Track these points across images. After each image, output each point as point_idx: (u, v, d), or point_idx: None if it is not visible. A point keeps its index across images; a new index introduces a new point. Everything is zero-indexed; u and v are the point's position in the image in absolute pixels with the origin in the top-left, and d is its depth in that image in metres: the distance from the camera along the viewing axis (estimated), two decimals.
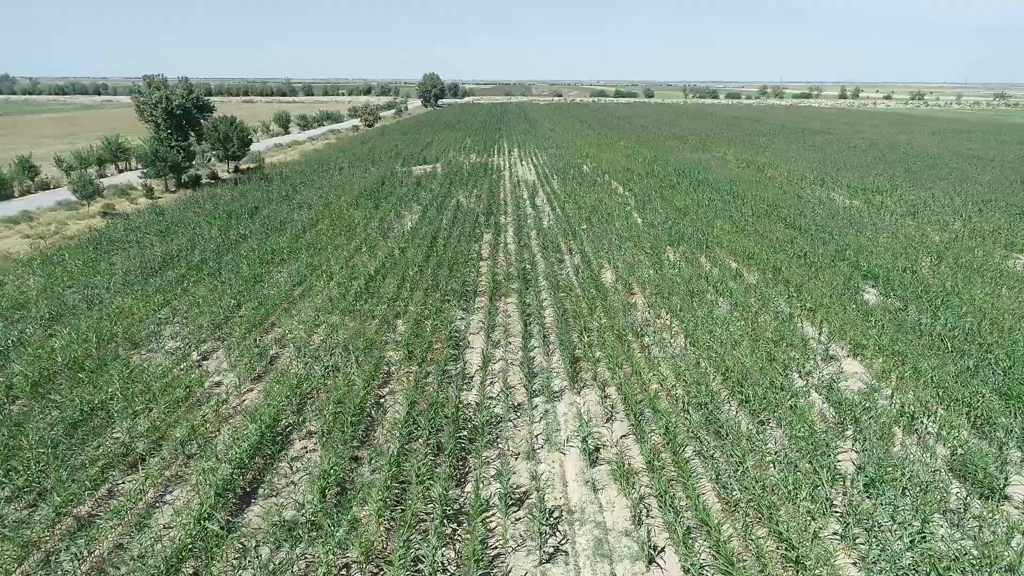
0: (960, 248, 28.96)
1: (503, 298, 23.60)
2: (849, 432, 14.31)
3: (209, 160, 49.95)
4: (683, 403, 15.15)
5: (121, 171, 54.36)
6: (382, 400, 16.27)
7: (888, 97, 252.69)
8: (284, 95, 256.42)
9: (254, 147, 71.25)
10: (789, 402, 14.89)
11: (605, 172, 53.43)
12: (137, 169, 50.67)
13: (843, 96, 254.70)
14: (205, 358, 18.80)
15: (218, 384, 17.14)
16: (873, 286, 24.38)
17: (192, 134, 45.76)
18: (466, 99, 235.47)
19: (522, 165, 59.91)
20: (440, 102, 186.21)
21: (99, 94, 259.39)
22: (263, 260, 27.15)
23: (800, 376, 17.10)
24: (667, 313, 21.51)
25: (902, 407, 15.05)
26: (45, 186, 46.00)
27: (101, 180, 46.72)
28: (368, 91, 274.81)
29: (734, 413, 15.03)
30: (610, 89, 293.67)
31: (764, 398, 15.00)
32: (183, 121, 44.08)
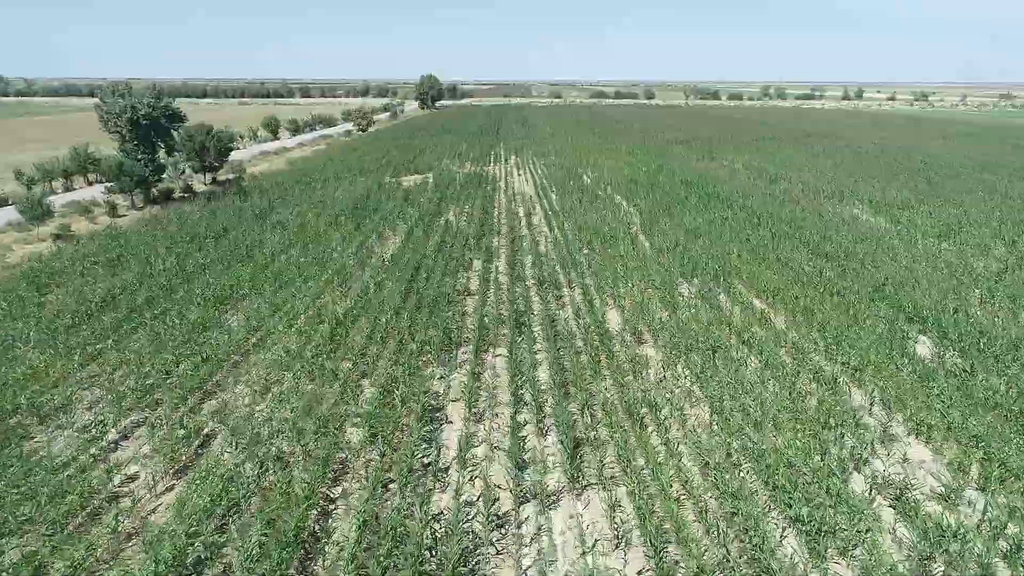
0: (1013, 281, 25.54)
1: (491, 349, 20.20)
2: (938, 568, 10.90)
3: (182, 172, 46.51)
4: (715, 523, 11.73)
5: (91, 183, 50.91)
6: (332, 507, 12.87)
7: (891, 98, 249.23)
8: (281, 97, 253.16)
9: (239, 155, 67.94)
10: (856, 525, 11.47)
11: (607, 184, 50.05)
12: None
13: (846, 97, 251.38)
14: (125, 436, 15.41)
15: (131, 479, 13.75)
16: (922, 332, 20.96)
17: (162, 145, 42.30)
18: (464, 100, 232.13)
19: (519, 175, 56.54)
20: (438, 104, 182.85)
21: (93, 96, 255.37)
22: (219, 298, 23.73)
23: (857, 468, 13.69)
24: (686, 372, 18.11)
25: (997, 528, 11.64)
26: (3, 202, 42.60)
27: (57, 196, 43.41)
28: (366, 92, 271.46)
29: (782, 536, 11.60)
30: (610, 90, 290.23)
31: (821, 519, 11.57)
32: (151, 132, 40.65)
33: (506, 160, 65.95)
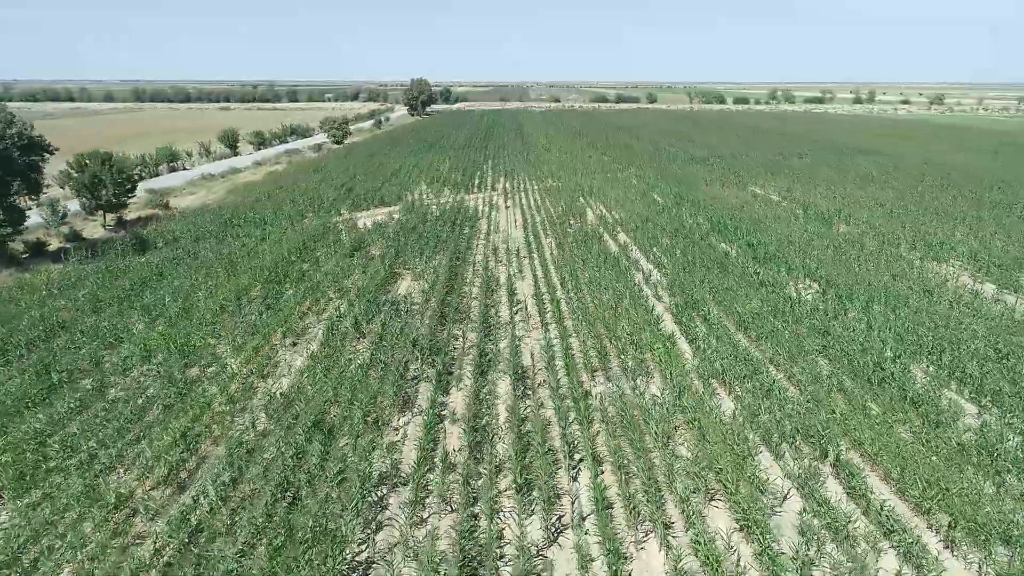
0: None
1: None
2: None
3: (63, 217, 35.61)
4: None
5: None
6: None
7: (906, 101, 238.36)
8: (267, 101, 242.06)
9: (174, 179, 57.35)
10: None
11: (616, 225, 39.29)
12: None
13: (858, 100, 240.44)
14: None
15: None
16: None
17: (22, 185, 31.40)
18: (458, 105, 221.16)
19: (507, 208, 45.67)
20: (429, 109, 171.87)
21: (72, 100, 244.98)
22: None
23: None
24: None
25: None
26: None
27: None
28: (356, 96, 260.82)
29: None
30: (611, 92, 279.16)
31: None
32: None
33: (493, 185, 55.07)
